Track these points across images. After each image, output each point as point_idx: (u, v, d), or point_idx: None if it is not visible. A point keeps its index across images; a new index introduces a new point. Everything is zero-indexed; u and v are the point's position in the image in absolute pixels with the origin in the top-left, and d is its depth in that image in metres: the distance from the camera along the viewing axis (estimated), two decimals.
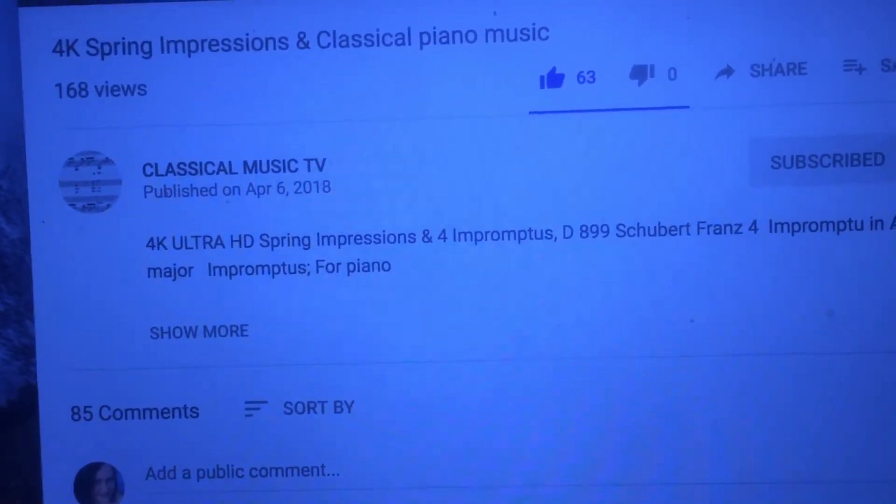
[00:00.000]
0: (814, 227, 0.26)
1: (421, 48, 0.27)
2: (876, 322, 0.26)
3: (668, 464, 0.27)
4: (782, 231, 0.26)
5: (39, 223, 0.27)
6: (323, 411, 0.27)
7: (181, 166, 0.27)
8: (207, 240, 0.27)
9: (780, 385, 0.27)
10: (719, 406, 0.27)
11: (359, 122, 0.27)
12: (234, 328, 0.27)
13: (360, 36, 0.27)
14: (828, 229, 0.26)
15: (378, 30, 0.27)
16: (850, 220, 0.26)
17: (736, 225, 0.26)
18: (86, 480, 0.28)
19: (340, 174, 0.27)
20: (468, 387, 0.27)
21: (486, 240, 0.27)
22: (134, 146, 0.27)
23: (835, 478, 0.27)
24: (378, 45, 0.27)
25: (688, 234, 0.27)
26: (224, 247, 0.27)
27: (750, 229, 0.26)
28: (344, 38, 0.27)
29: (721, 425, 0.27)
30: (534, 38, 0.26)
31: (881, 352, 0.26)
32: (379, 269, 0.27)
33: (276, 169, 0.27)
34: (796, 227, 0.26)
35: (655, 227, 0.27)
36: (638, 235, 0.27)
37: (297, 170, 0.27)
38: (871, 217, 0.26)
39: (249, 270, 0.27)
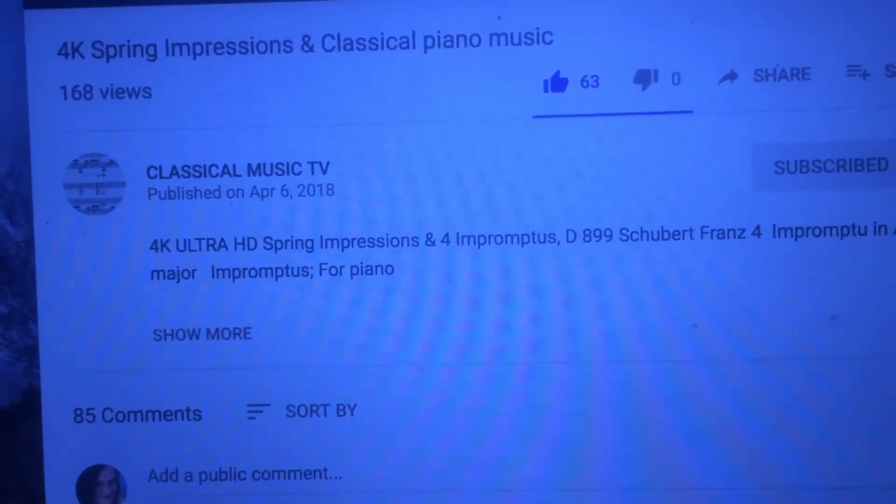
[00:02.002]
0: (817, 232, 0.26)
1: (425, 52, 0.27)
2: (880, 327, 0.26)
3: (671, 469, 0.27)
4: (786, 236, 0.26)
5: (44, 225, 0.27)
6: (325, 414, 0.27)
7: (185, 169, 0.27)
8: (211, 242, 0.27)
9: (784, 390, 0.26)
10: (722, 411, 0.27)
11: (363, 126, 0.27)
12: (237, 331, 0.27)
13: (364, 39, 0.27)
14: (831, 234, 0.26)
15: (382, 33, 0.27)
16: (853, 226, 0.26)
17: (739, 230, 0.26)
18: (88, 482, 0.28)
19: (344, 177, 0.27)
20: (471, 390, 0.27)
21: (489, 244, 0.27)
22: (138, 148, 0.27)
23: (839, 484, 0.27)
24: (382, 48, 0.27)
25: (691, 238, 0.27)
26: (227, 249, 0.27)
27: (753, 234, 0.26)
28: (348, 41, 0.27)
29: (724, 430, 0.27)
30: (538, 43, 0.26)
31: (885, 357, 0.26)
32: (382, 273, 0.27)
33: (279, 172, 0.27)
34: (800, 233, 0.26)
35: (659, 232, 0.27)
36: (641, 240, 0.27)
37: (300, 173, 0.27)
38: (875, 222, 0.26)
39: (253, 273, 0.27)
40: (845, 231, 0.26)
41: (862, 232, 0.26)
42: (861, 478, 0.27)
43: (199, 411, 0.27)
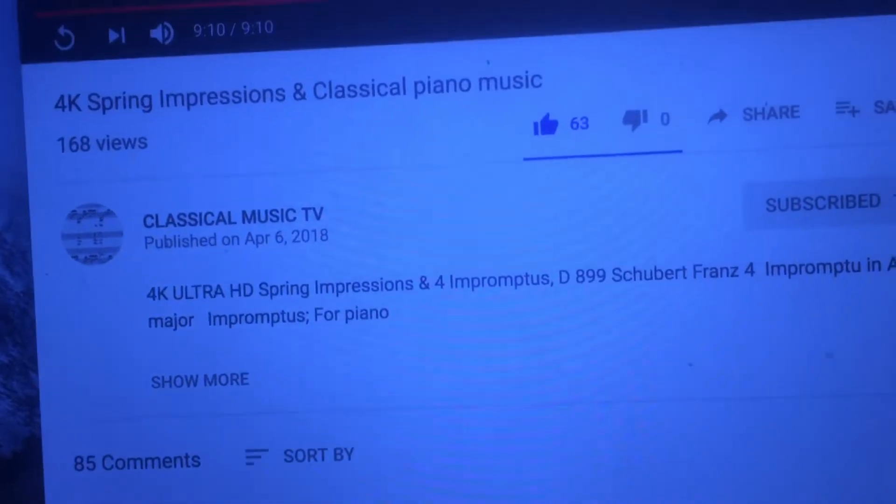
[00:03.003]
0: (811, 269, 0.26)
1: (416, 97, 0.27)
2: (875, 364, 0.26)
3: None
4: (779, 273, 0.26)
5: (43, 275, 0.27)
6: (323, 459, 0.27)
7: (181, 217, 0.27)
8: (207, 289, 0.27)
9: (780, 428, 0.26)
10: (718, 450, 0.27)
11: (355, 171, 0.27)
12: (234, 377, 0.27)
13: (355, 86, 0.27)
14: (825, 271, 0.26)
15: (373, 80, 0.27)
16: (847, 262, 0.26)
17: (732, 268, 0.26)
18: None
19: (338, 223, 0.27)
20: (467, 433, 0.27)
21: (482, 285, 0.27)
22: (135, 198, 0.27)
23: None
24: (373, 94, 0.27)
25: (684, 277, 0.27)
26: (224, 296, 0.27)
27: (746, 272, 0.26)
28: (340, 88, 0.27)
29: (720, 469, 0.27)
30: (527, 86, 0.27)
31: (881, 394, 0.26)
32: (377, 317, 0.27)
33: (274, 218, 0.27)
34: (793, 270, 0.26)
35: (651, 271, 0.27)
36: (634, 279, 0.27)
37: (294, 219, 0.27)
38: (869, 258, 0.26)
39: (249, 319, 0.27)
40: (839, 267, 0.26)
41: (856, 268, 0.26)
42: None
43: (198, 458, 0.27)
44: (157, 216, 0.27)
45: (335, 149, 0.27)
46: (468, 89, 0.27)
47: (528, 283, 0.27)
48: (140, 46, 0.27)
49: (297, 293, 0.27)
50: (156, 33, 0.27)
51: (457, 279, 0.27)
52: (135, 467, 0.28)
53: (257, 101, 0.27)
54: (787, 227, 0.26)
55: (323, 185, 0.27)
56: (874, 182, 0.26)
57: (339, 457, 0.27)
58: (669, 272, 0.27)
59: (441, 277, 0.27)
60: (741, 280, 0.26)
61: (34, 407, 0.28)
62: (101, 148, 0.27)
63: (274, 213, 0.27)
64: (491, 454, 0.27)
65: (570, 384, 0.27)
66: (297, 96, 0.27)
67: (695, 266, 0.27)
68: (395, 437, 0.27)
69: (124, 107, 0.27)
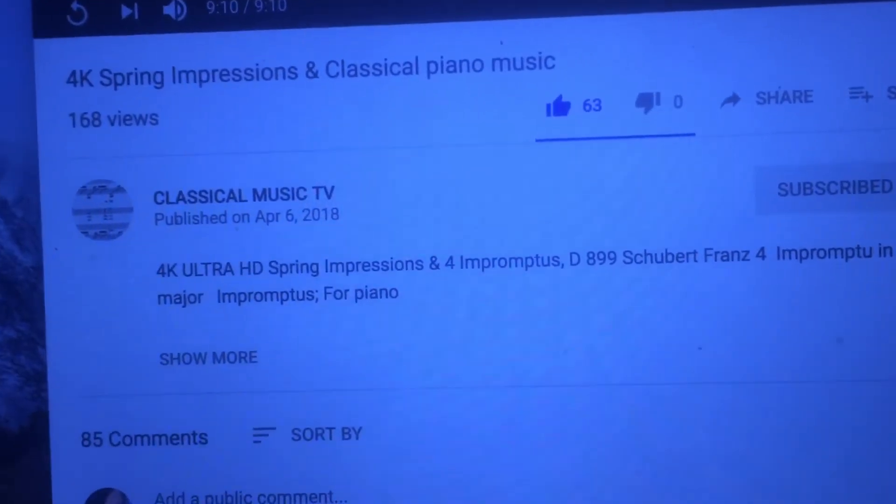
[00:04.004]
0: (822, 254, 0.26)
1: (428, 77, 0.27)
2: (885, 349, 0.26)
3: (676, 493, 0.27)
4: (790, 258, 0.26)
5: (52, 251, 0.27)
6: (331, 438, 0.27)
7: (192, 194, 0.27)
8: (217, 267, 0.27)
9: (789, 413, 0.26)
10: (727, 434, 0.26)
11: (367, 151, 0.27)
12: (242, 355, 0.27)
13: (368, 65, 0.27)
14: (836, 256, 0.26)
15: (386, 59, 0.27)
16: (858, 248, 0.26)
17: (743, 252, 0.26)
18: None
19: (349, 202, 0.27)
20: (475, 413, 0.27)
21: (493, 266, 0.27)
22: (145, 174, 0.27)
23: None
24: (386, 74, 0.27)
25: (695, 261, 0.27)
26: (233, 274, 0.27)
27: (758, 256, 0.26)
28: (352, 67, 0.27)
29: (729, 454, 0.27)
30: (540, 67, 0.27)
31: (890, 379, 0.26)
32: (386, 296, 0.27)
33: (284, 197, 0.27)
34: (804, 255, 0.26)
35: (663, 254, 0.27)
36: (645, 262, 0.27)
37: (305, 197, 0.27)
38: (880, 244, 0.26)
39: (258, 297, 0.27)
40: (850, 253, 0.26)
41: (867, 254, 0.26)
42: (869, 502, 0.26)
43: (206, 435, 0.27)
44: (167, 193, 0.27)
45: (347, 128, 0.27)
46: (481, 70, 0.27)
47: (538, 265, 0.27)
48: (153, 22, 0.27)
49: (307, 272, 0.27)
50: (168, 9, 0.27)
51: (467, 260, 0.27)
52: (142, 444, 0.28)
53: (269, 78, 0.27)
54: (799, 212, 0.26)
55: (334, 164, 0.27)
56: (886, 167, 0.26)
57: (346, 436, 0.27)
58: (680, 255, 0.27)
59: (451, 258, 0.27)
60: (752, 264, 0.26)
61: (42, 382, 0.28)
62: (112, 124, 0.27)
63: (285, 191, 0.27)
64: (498, 435, 0.27)
65: (579, 367, 0.27)
66: (310, 75, 0.27)
67: (706, 250, 0.27)
68: (403, 417, 0.27)
69: (136, 83, 0.27)
